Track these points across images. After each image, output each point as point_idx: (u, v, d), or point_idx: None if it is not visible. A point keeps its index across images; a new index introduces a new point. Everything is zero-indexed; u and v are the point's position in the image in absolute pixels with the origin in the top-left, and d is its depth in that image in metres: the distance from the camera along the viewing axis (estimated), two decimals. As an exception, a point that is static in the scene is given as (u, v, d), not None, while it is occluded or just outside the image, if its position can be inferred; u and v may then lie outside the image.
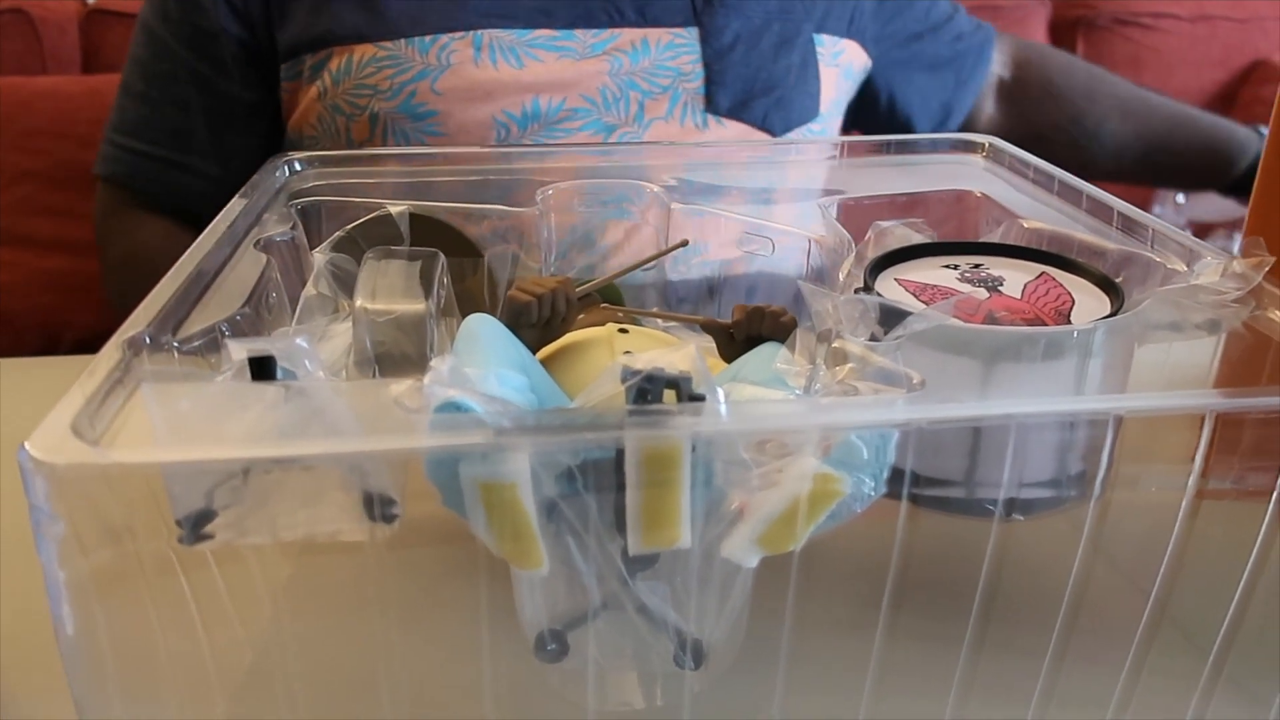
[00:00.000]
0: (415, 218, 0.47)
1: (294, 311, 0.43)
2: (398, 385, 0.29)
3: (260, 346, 0.32)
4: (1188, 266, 0.41)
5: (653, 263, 0.46)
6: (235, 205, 0.45)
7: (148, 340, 0.31)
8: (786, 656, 0.33)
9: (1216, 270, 0.37)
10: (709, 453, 0.31)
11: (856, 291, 0.41)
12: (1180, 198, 1.54)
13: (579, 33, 0.72)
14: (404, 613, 0.32)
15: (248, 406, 0.30)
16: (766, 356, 0.39)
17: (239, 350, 0.30)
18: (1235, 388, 0.29)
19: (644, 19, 0.73)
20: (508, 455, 0.30)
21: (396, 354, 0.44)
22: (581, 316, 0.44)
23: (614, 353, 0.40)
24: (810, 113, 0.79)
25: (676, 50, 0.73)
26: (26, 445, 0.24)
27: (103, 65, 1.40)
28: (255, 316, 0.38)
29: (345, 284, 0.45)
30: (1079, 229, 0.46)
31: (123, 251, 0.81)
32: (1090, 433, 0.33)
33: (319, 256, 0.45)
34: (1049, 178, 0.51)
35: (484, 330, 0.38)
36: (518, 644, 0.33)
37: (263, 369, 0.32)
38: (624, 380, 0.33)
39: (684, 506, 0.31)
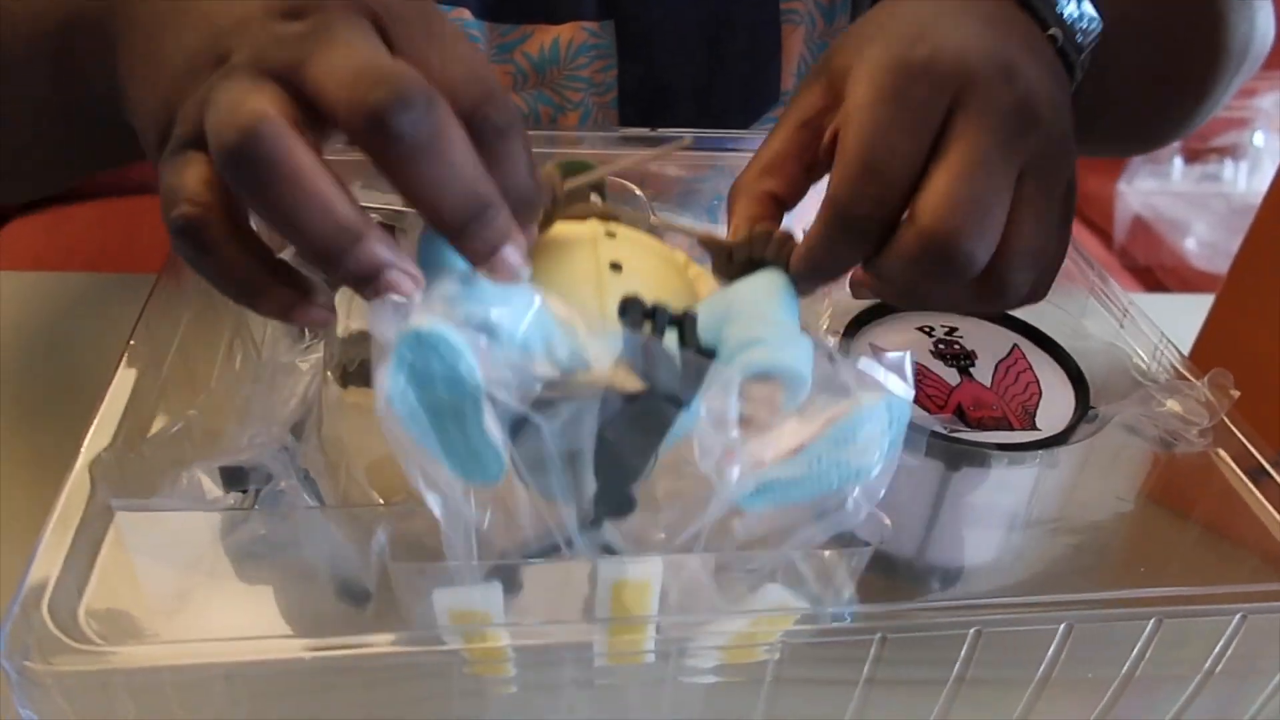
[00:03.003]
0: (384, 229, 0.45)
1: (260, 338, 0.41)
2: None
3: (231, 462, 0.31)
4: (1153, 358, 0.41)
5: (653, 159, 0.43)
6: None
7: (113, 456, 0.30)
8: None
9: (1185, 397, 0.38)
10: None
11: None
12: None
13: (489, 26, 0.59)
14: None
15: (226, 534, 0.30)
16: (763, 289, 0.35)
17: (209, 477, 0.30)
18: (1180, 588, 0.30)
19: (551, 12, 0.58)
20: (481, 586, 0.31)
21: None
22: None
23: (599, 261, 0.35)
24: (766, 100, 0.63)
25: (589, 54, 0.59)
26: (5, 637, 0.24)
27: None
28: (223, 371, 0.37)
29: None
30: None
31: None
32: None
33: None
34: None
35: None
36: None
37: (235, 480, 0.32)
38: (622, 312, 0.32)
39: (650, 632, 0.32)
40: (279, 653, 0.26)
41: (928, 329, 0.44)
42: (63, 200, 1.19)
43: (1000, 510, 0.39)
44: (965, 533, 0.40)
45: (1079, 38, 0.37)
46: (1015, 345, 0.43)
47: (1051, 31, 0.36)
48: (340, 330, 0.41)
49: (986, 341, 0.43)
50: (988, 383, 0.41)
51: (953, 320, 0.44)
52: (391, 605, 0.32)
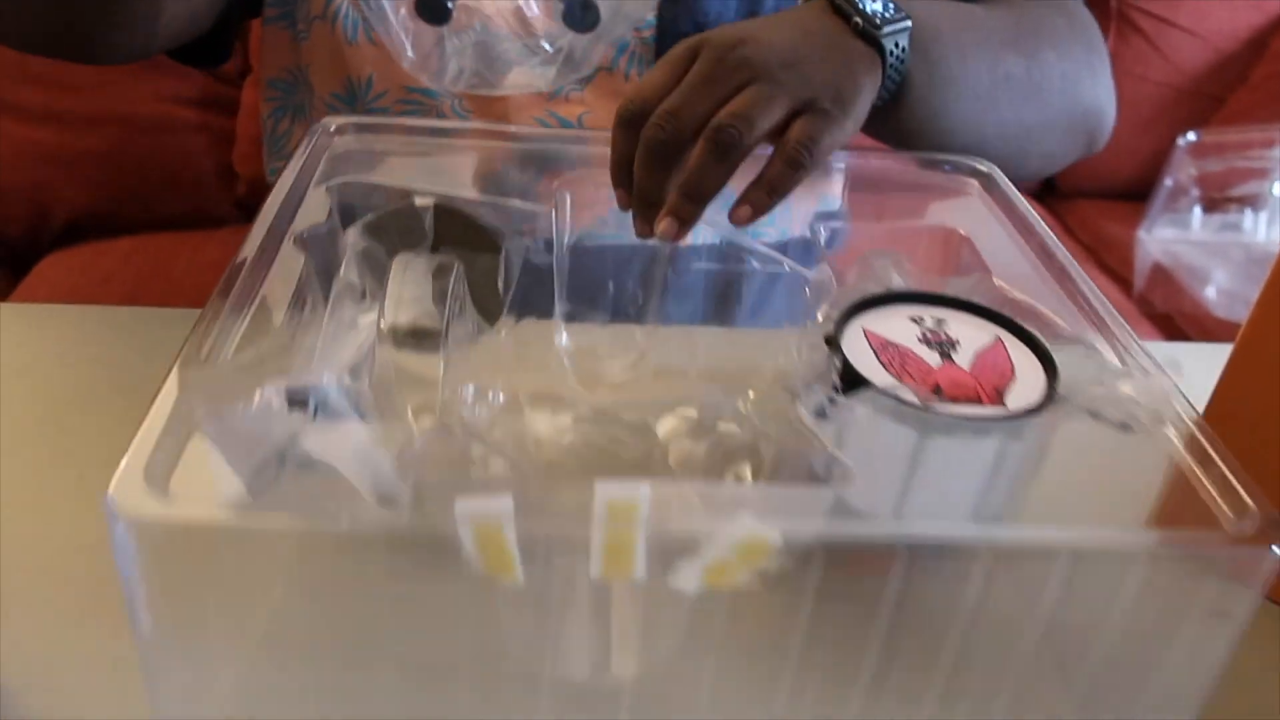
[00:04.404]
0: (439, 209, 0.51)
1: (328, 296, 0.48)
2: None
3: (296, 385, 0.37)
4: (1120, 360, 0.45)
5: None
6: (284, 182, 0.50)
7: (203, 362, 0.37)
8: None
9: (1136, 380, 0.42)
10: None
11: (827, 340, 0.46)
12: (1192, 135, 1.49)
13: None
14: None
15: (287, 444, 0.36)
16: None
17: (277, 396, 0.36)
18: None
19: None
20: (497, 500, 0.36)
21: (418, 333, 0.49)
22: None
23: None
24: None
25: None
26: (113, 496, 0.30)
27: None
28: (293, 322, 0.43)
29: (373, 268, 0.50)
30: (1043, 291, 0.51)
31: None
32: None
33: (351, 238, 0.50)
34: (1030, 226, 0.54)
35: None
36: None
37: (298, 399, 0.38)
38: None
39: (639, 549, 0.37)
40: (324, 525, 0.32)
41: (918, 319, 0.48)
42: (97, 235, 1.21)
43: (968, 480, 0.44)
44: (934, 500, 0.44)
45: (878, 20, 0.51)
46: (998, 338, 0.48)
47: (854, 20, 0.51)
48: (393, 297, 0.48)
49: (972, 333, 0.48)
50: (967, 367, 0.46)
51: (941, 312, 0.49)
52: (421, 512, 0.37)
